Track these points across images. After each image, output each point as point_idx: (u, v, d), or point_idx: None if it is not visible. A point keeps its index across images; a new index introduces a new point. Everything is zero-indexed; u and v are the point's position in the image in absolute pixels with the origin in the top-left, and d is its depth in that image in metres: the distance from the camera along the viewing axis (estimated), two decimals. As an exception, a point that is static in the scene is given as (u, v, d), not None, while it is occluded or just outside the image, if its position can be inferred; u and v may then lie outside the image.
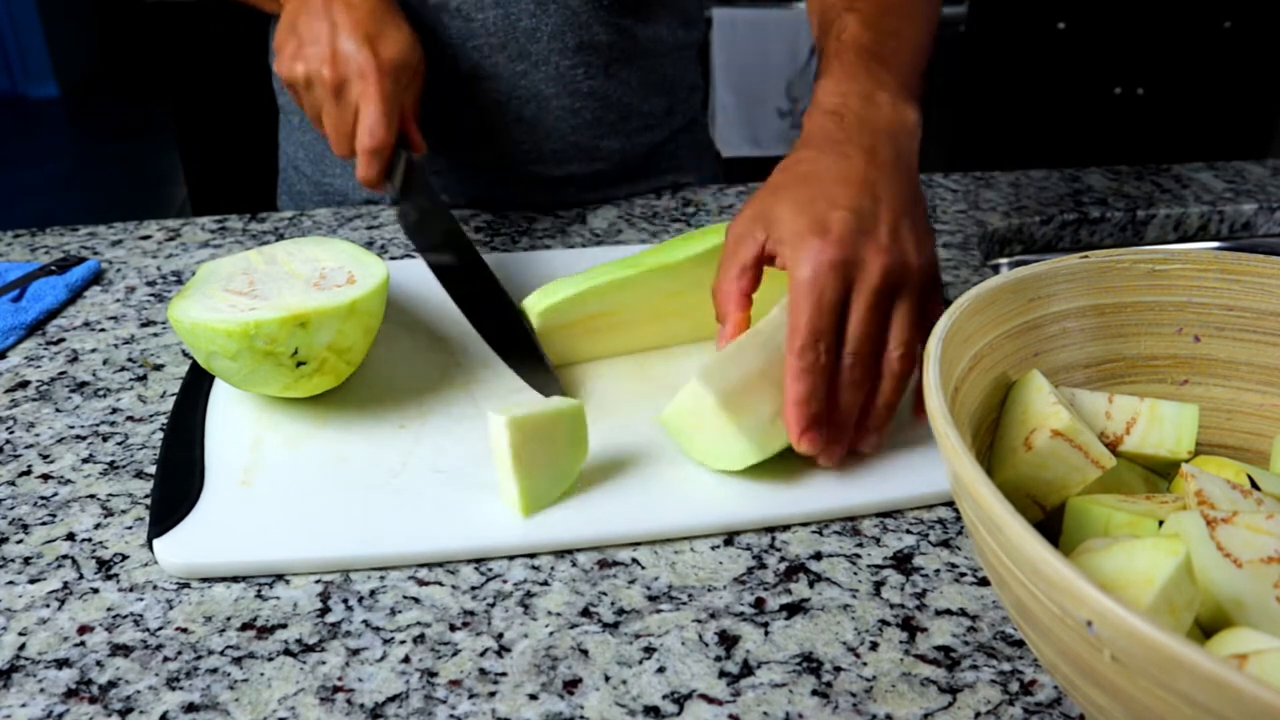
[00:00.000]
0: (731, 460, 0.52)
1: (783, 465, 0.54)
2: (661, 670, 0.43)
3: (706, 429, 0.52)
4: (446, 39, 0.82)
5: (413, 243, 0.65)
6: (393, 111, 0.64)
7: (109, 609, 0.46)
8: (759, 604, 0.47)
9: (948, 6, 2.28)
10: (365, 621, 0.45)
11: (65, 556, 0.49)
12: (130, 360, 0.66)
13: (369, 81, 0.64)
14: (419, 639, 0.45)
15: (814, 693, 0.42)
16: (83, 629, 0.45)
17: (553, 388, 0.59)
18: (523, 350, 0.60)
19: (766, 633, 0.45)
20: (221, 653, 0.44)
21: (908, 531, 0.52)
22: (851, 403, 0.51)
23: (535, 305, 0.61)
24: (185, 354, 0.67)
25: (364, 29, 0.65)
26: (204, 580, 0.48)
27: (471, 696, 0.42)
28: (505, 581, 0.48)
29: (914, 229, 0.52)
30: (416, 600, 0.47)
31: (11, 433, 0.59)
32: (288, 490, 0.52)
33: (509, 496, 0.50)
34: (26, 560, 0.49)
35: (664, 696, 0.42)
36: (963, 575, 0.49)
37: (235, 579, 0.48)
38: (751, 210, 0.54)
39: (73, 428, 0.59)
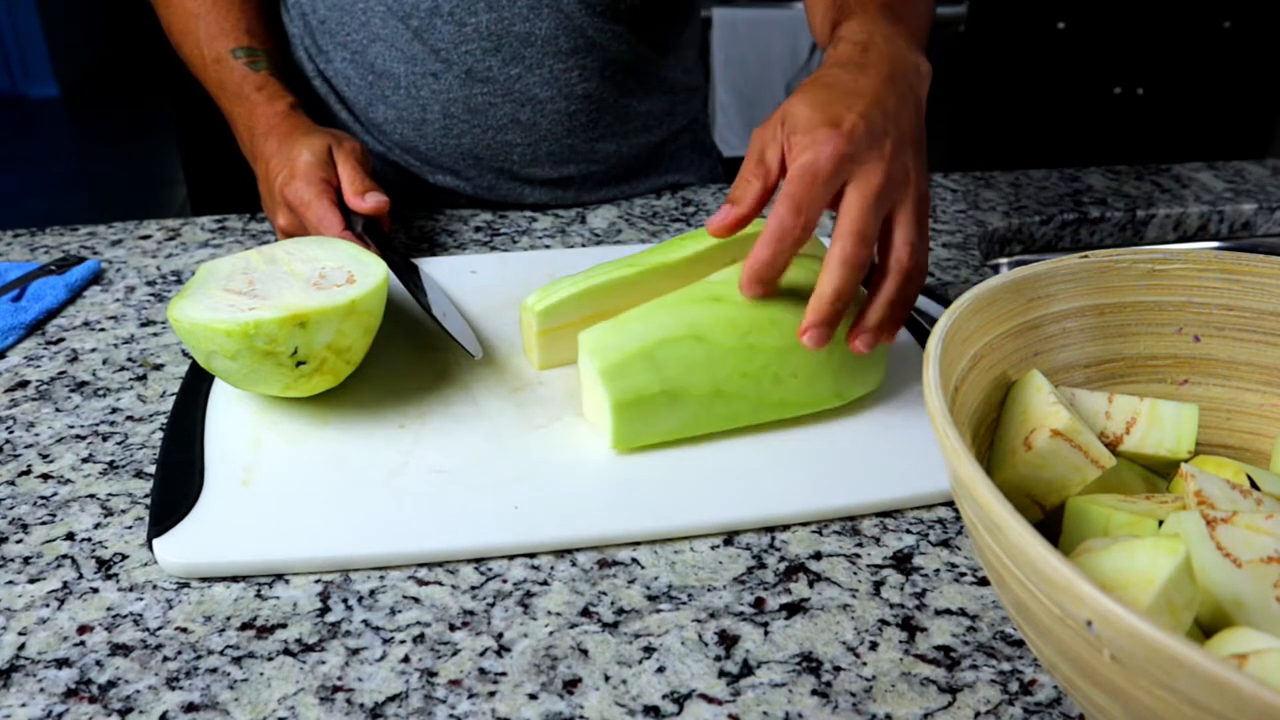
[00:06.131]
0: (606, 433, 0.54)
1: (783, 465, 0.54)
2: (661, 670, 0.43)
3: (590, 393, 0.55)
4: (439, 43, 0.82)
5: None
6: (328, 204, 0.72)
7: (109, 609, 0.46)
8: (759, 604, 0.47)
9: (948, 6, 2.28)
10: (365, 621, 0.45)
11: (65, 556, 0.49)
12: (130, 360, 0.66)
13: (309, 207, 0.72)
14: (419, 639, 0.45)
15: (814, 692, 0.42)
16: (82, 629, 0.45)
17: (473, 345, 0.62)
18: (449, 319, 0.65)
19: (766, 632, 0.45)
20: (221, 652, 0.44)
21: (908, 531, 0.52)
22: (846, 282, 0.52)
23: (535, 305, 0.61)
24: (185, 354, 0.67)
25: (278, 174, 0.74)
26: (204, 580, 0.48)
27: (471, 696, 0.42)
28: (505, 581, 0.48)
29: (915, 156, 0.55)
30: (416, 600, 0.47)
31: (11, 432, 0.59)
32: (288, 490, 0.52)
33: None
34: (26, 560, 0.49)
35: (664, 696, 0.42)
36: (963, 575, 0.49)
37: (235, 579, 0.48)
38: (775, 114, 0.56)
39: (72, 427, 0.59)
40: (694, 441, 0.56)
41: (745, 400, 0.55)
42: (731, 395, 0.55)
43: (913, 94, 0.57)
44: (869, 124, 0.52)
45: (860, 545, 0.51)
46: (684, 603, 0.47)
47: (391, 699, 0.42)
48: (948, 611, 0.47)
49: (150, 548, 0.49)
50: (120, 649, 0.44)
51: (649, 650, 0.44)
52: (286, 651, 0.44)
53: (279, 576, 0.48)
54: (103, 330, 0.70)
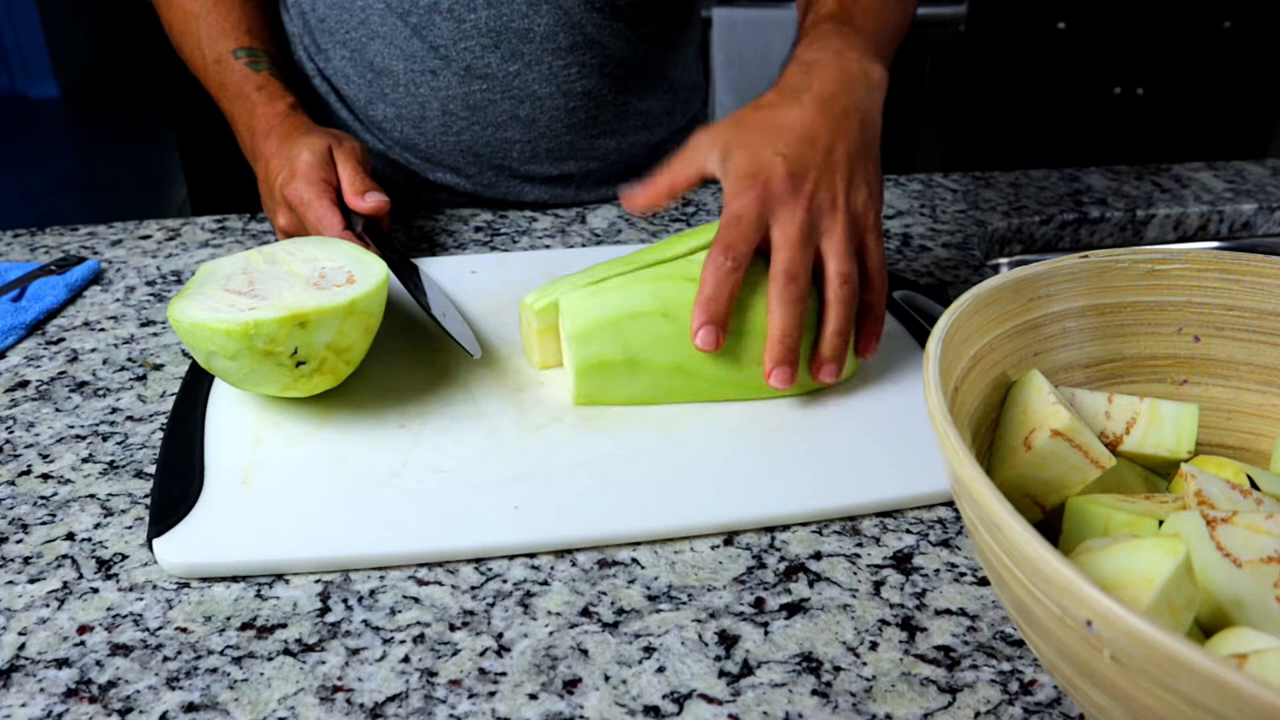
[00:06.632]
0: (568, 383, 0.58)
1: (783, 465, 0.54)
2: (661, 670, 0.43)
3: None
4: (438, 40, 0.82)
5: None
6: (329, 204, 0.72)
7: (109, 609, 0.46)
8: (759, 604, 0.47)
9: (948, 6, 2.27)
10: (365, 621, 0.45)
11: (65, 556, 0.49)
12: (130, 360, 0.66)
13: (309, 206, 0.71)
14: (419, 639, 0.45)
15: (814, 693, 0.42)
16: (82, 629, 0.45)
17: (473, 345, 0.63)
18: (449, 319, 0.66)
19: (766, 632, 0.45)
20: (221, 652, 0.44)
21: (908, 531, 0.52)
22: (790, 319, 0.56)
23: (535, 304, 0.61)
24: (185, 354, 0.67)
25: (278, 173, 0.73)
26: (204, 580, 0.48)
27: (471, 696, 0.42)
28: (505, 581, 0.48)
29: (848, 178, 0.58)
30: (416, 600, 0.47)
31: (11, 433, 0.59)
32: (288, 490, 0.52)
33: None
34: (26, 560, 0.49)
35: (664, 696, 0.42)
36: (963, 575, 0.49)
37: (235, 579, 0.48)
38: (717, 136, 0.59)
39: (72, 427, 0.59)
40: (694, 441, 0.56)
41: (704, 378, 0.59)
42: (692, 372, 0.58)
43: (856, 110, 0.59)
44: (790, 164, 0.56)
45: (860, 545, 0.51)
46: (684, 603, 0.47)
47: (391, 699, 0.42)
48: (948, 611, 0.47)
49: (150, 548, 0.49)
50: (120, 649, 0.44)
51: (649, 650, 0.44)
52: (286, 651, 0.44)
53: (279, 576, 0.48)
54: (103, 330, 0.70)
